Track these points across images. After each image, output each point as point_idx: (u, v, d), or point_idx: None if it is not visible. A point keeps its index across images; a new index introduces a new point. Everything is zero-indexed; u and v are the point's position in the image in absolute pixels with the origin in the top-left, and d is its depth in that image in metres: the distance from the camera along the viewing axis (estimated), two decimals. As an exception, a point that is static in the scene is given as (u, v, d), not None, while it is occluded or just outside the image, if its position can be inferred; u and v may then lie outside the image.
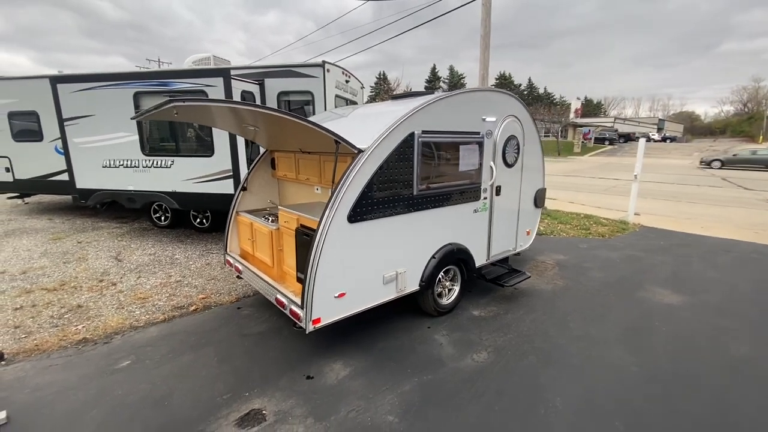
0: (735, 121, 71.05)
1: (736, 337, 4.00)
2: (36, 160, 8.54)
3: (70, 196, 8.83)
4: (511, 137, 4.69)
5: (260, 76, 6.94)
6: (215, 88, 6.11)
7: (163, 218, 8.02)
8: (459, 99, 4.05)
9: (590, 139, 46.64)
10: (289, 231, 3.77)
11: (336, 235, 3.15)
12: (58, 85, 6.80)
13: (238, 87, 6.35)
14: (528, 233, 5.45)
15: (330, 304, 3.24)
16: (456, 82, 56.67)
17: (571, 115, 49.80)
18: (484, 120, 4.28)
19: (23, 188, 9.17)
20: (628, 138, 52.55)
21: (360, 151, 3.28)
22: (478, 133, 4.25)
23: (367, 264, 3.47)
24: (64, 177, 7.80)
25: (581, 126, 47.77)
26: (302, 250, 3.54)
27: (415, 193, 3.70)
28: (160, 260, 6.26)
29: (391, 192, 3.49)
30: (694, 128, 79.22)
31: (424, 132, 3.65)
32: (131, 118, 3.40)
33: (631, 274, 5.84)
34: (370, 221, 3.39)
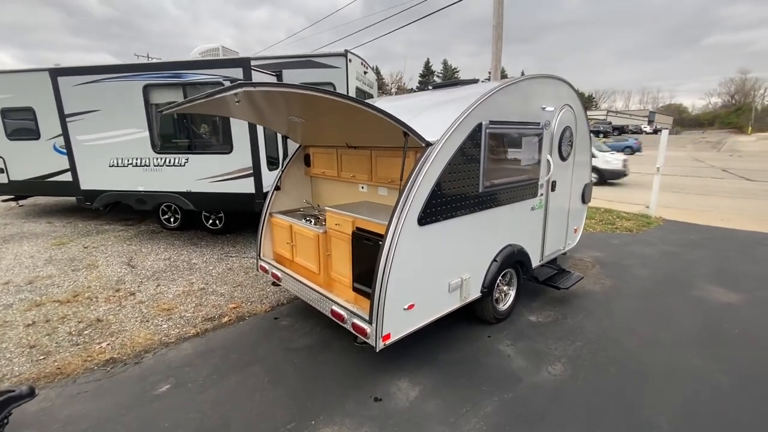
0: (723, 113, 72.06)
1: (818, 340, 3.75)
2: (32, 160, 7.97)
3: (69, 198, 8.33)
4: (566, 128, 4.37)
5: (278, 66, 6.50)
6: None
7: (172, 220, 7.55)
8: (523, 86, 3.71)
9: (585, 132, 46.60)
10: (342, 235, 3.39)
11: (407, 239, 2.80)
12: (59, 78, 6.26)
13: (256, 78, 5.90)
14: (575, 231, 5.15)
15: (400, 317, 2.89)
16: (450, 77, 56.31)
17: (565, 109, 49.72)
18: (543, 109, 3.94)
19: (19, 190, 8.58)
20: (622, 131, 52.81)
21: (429, 144, 2.92)
22: (538, 124, 3.91)
23: (435, 271, 3.13)
24: (65, 177, 7.29)
25: (576, 119, 47.69)
26: (361, 256, 3.18)
27: (480, 190, 3.36)
28: (177, 266, 5.83)
29: (458, 190, 3.15)
30: (683, 120, 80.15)
31: (491, 123, 3.30)
32: (164, 111, 2.96)
33: (676, 272, 5.58)
34: (439, 223, 3.04)
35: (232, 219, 7.28)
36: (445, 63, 57.97)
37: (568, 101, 4.36)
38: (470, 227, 3.36)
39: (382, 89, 45.23)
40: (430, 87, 4.67)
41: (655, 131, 59.34)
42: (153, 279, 5.31)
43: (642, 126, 58.90)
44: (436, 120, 3.22)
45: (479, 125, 3.20)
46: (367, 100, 7.07)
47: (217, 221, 7.29)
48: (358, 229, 3.26)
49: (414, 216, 2.84)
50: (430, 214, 2.94)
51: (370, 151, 3.72)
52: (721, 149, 35.88)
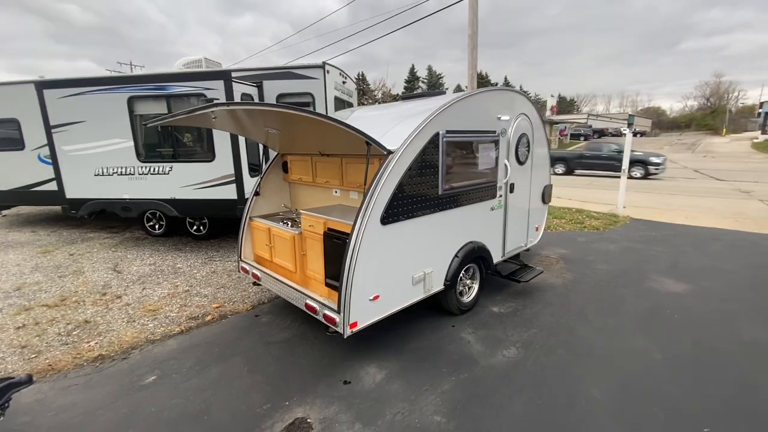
0: (699, 116, 74.36)
1: (745, 321, 4.18)
2: (17, 170, 8.08)
3: (52, 207, 8.46)
4: (523, 135, 4.76)
5: (258, 78, 6.79)
6: (215, 91, 5.95)
7: (157, 226, 7.75)
8: (478, 98, 4.09)
9: (566, 135, 47.94)
10: (315, 235, 3.71)
11: (371, 237, 3.13)
12: (45, 91, 6.46)
13: (237, 89, 6.20)
14: (537, 229, 5.55)
15: (366, 307, 3.21)
16: (435, 83, 57.21)
17: (548, 113, 51.06)
18: (499, 119, 4.33)
19: (3, 200, 8.66)
20: (602, 134, 54.25)
21: (390, 152, 3.26)
22: (494, 132, 4.30)
23: (399, 265, 3.46)
24: (50, 187, 7.45)
25: (557, 123, 49.01)
26: (332, 254, 3.49)
27: (440, 192, 3.71)
28: (162, 270, 6.06)
29: (419, 193, 3.49)
30: (661, 123, 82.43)
31: (448, 132, 3.66)
32: (147, 124, 3.25)
33: (634, 265, 6.02)
34: (400, 222, 3.38)
35: (216, 225, 7.52)
36: (429, 69, 58.93)
37: (524, 111, 4.76)
38: (431, 226, 3.71)
39: (368, 94, 45.80)
40: (398, 99, 5.03)
41: (635, 134, 61.20)
42: (138, 283, 5.54)
43: (621, 129, 60.59)
44: (400, 130, 3.57)
45: (437, 135, 3.56)
46: (347, 108, 7.44)
47: (201, 227, 7.52)
48: (329, 229, 3.58)
49: (377, 216, 3.17)
50: (392, 215, 3.28)
51: (340, 158, 4.05)
52: (696, 150, 37.21)
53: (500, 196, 4.57)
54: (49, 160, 7.04)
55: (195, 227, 7.55)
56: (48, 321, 4.43)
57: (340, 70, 7.72)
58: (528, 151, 4.92)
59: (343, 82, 7.97)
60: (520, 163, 4.81)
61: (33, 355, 3.75)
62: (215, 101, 5.71)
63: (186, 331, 4.17)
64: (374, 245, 3.17)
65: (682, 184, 16.09)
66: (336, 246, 3.43)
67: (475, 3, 11.10)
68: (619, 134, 56.70)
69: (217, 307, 4.70)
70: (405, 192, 3.35)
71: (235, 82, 6.10)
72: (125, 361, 3.65)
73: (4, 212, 9.90)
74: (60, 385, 3.30)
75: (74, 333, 4.17)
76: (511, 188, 4.72)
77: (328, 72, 6.88)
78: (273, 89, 6.85)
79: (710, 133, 59.59)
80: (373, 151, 3.27)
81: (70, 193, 6.94)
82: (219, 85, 5.93)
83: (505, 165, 4.53)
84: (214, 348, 3.82)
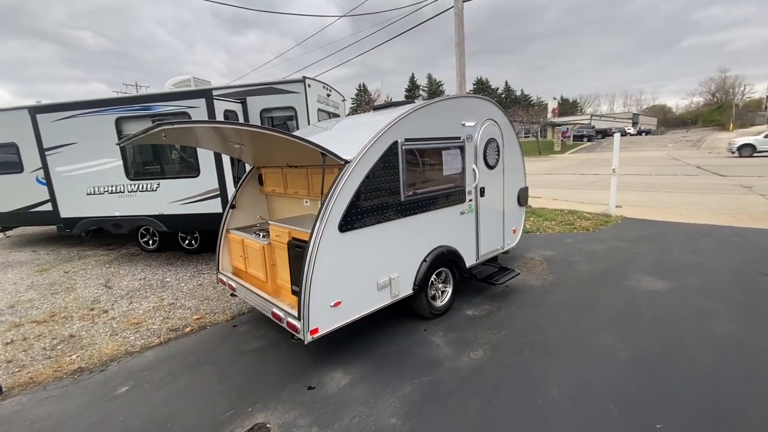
0: (705, 111, 73.58)
1: (718, 317, 4.17)
2: (17, 192, 8.38)
3: (53, 227, 8.73)
4: (491, 140, 4.84)
5: (242, 94, 7.00)
6: (198, 110, 6.16)
7: (151, 242, 7.95)
8: (438, 106, 4.19)
9: (569, 137, 47.77)
10: (281, 245, 3.82)
11: (328, 245, 3.22)
12: (38, 116, 6.75)
13: (220, 107, 6.40)
14: (514, 231, 5.59)
15: (326, 313, 3.30)
16: (435, 90, 57.64)
17: (549, 115, 51.03)
18: (463, 125, 4.43)
19: (4, 222, 8.97)
20: (605, 134, 53.97)
21: (346, 162, 3.37)
22: (459, 138, 4.39)
23: (361, 271, 3.54)
24: (47, 207, 7.70)
25: (559, 125, 48.92)
26: (295, 262, 3.59)
27: (402, 199, 3.80)
28: (151, 284, 6.21)
29: (379, 200, 3.59)
30: (667, 120, 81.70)
31: (407, 140, 3.76)
32: (117, 144, 3.43)
33: (617, 265, 6.01)
34: (361, 229, 3.47)
35: (208, 239, 7.68)
36: (429, 77, 59.40)
37: (492, 116, 4.85)
38: (395, 232, 3.79)
39: (369, 105, 46.26)
40: (369, 109, 5.16)
41: (639, 132, 60.76)
42: (126, 297, 5.69)
43: (626, 128, 60.21)
44: (360, 139, 3.68)
45: (395, 143, 3.67)
46: (332, 119, 7.59)
47: (193, 241, 7.69)
48: (293, 238, 3.69)
49: (334, 224, 3.27)
50: (350, 222, 3.37)
51: (306, 169, 4.18)
52: (701, 147, 36.68)
53: (470, 200, 4.64)
54: (45, 182, 7.30)
55: (187, 241, 7.73)
56: (35, 336, 4.59)
57: (323, 83, 7.91)
58: (498, 155, 4.99)
59: (328, 95, 8.15)
60: (490, 167, 4.88)
61: (17, 369, 3.89)
62: (195, 119, 5.90)
63: (164, 343, 4.29)
64: (332, 252, 3.27)
65: (684, 181, 15.91)
66: (298, 254, 3.53)
67: (460, 12, 11.28)
68: (623, 133, 56.37)
69: (197, 319, 4.82)
70: (364, 199, 3.45)
71: (218, 99, 6.30)
72: (102, 372, 3.77)
73: (8, 233, 10.21)
74: (39, 396, 3.43)
75: (58, 347, 4.32)
76: (482, 192, 4.79)
77: (309, 86, 7.05)
78: (256, 105, 7.05)
79: (718, 129, 58.79)
80: (330, 161, 3.38)
81: (65, 212, 7.18)
82: (201, 103, 6.14)
83: (474, 170, 4.61)
84: (188, 358, 3.93)
